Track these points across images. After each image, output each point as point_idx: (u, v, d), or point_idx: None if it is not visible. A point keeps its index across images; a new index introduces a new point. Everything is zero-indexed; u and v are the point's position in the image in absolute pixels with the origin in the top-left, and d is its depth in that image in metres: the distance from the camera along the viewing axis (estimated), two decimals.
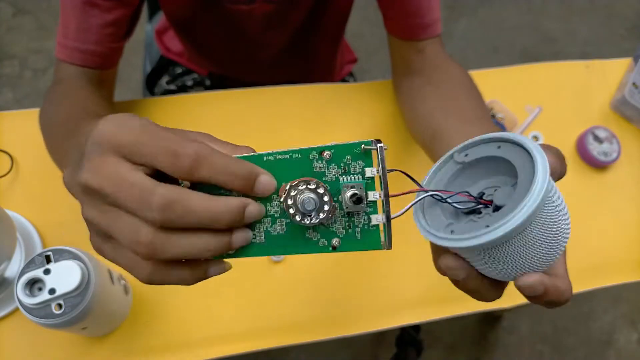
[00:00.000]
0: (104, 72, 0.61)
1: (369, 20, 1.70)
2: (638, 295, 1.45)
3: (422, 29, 0.62)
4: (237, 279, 0.60)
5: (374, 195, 0.27)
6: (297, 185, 0.26)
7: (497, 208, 0.28)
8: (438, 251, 0.30)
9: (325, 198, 0.27)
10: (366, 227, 0.28)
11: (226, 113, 0.69)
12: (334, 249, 0.28)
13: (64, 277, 0.45)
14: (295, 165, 0.27)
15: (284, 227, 0.28)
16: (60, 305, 0.45)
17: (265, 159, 0.27)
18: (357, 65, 0.98)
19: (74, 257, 0.47)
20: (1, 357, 0.54)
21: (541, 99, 0.75)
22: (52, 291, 0.44)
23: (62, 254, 0.46)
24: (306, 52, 0.81)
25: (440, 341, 1.34)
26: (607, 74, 0.80)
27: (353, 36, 1.66)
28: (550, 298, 0.28)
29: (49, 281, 0.45)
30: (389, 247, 0.28)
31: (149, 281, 0.27)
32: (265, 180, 0.26)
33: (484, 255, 0.27)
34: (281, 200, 0.27)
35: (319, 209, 0.26)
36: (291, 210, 0.26)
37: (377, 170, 0.27)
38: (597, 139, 0.72)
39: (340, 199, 0.27)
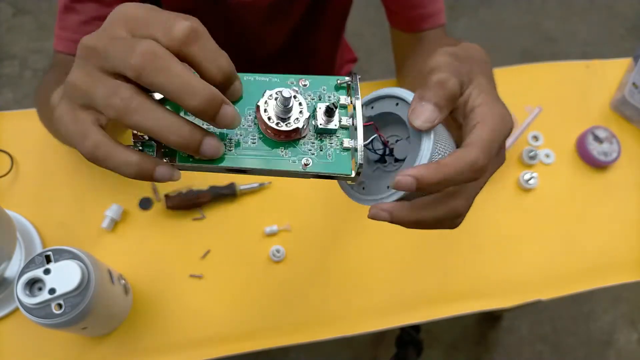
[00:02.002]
0: None
1: (369, 20, 1.70)
2: (638, 295, 1.45)
3: (424, 20, 0.63)
4: (236, 279, 0.60)
5: (346, 120, 0.28)
6: (274, 92, 0.27)
7: (396, 159, 0.31)
8: None
9: (302, 103, 0.27)
10: (338, 150, 0.28)
11: None
12: (305, 166, 0.27)
13: (64, 277, 0.45)
14: (272, 87, 0.27)
15: (256, 141, 0.27)
16: (60, 305, 0.45)
17: (245, 78, 0.28)
18: (357, 65, 0.98)
19: (74, 257, 0.47)
20: (1, 357, 0.54)
21: (541, 99, 0.75)
22: (52, 291, 0.44)
23: (62, 254, 0.46)
24: (306, 49, 0.81)
25: (440, 341, 1.34)
26: (607, 74, 0.80)
27: (353, 36, 1.66)
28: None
29: (49, 281, 0.45)
30: (357, 171, 0.28)
31: (93, 152, 0.25)
32: (230, 111, 0.25)
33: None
34: (257, 103, 0.27)
35: (295, 115, 0.27)
36: (265, 115, 0.26)
37: (350, 99, 0.29)
38: (597, 139, 0.71)
39: (314, 122, 0.28)
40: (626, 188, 0.71)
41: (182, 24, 0.24)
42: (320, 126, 0.28)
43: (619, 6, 1.99)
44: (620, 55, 0.83)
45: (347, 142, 0.28)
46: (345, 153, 0.28)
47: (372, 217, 0.29)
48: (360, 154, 0.27)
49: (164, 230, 0.61)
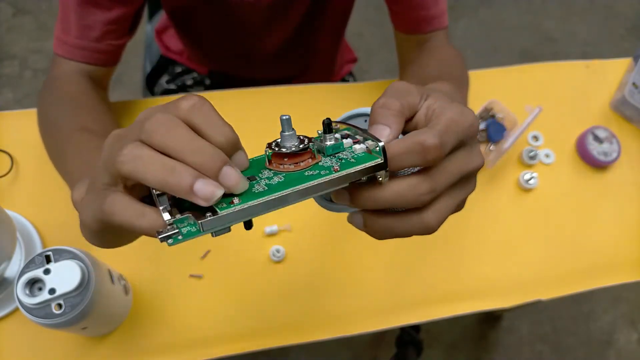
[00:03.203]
0: (104, 69, 0.61)
1: (369, 20, 1.70)
2: (638, 295, 1.45)
3: (427, 22, 0.63)
4: (236, 279, 0.60)
5: (346, 141, 0.30)
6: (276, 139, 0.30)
7: None
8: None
9: (302, 136, 0.30)
10: (354, 155, 0.29)
11: (226, 113, 0.68)
12: (336, 171, 0.28)
13: (64, 277, 0.45)
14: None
15: (282, 177, 0.29)
16: (60, 305, 0.45)
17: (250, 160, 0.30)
18: (357, 65, 0.98)
19: (74, 257, 0.47)
20: (1, 357, 0.54)
21: (541, 99, 0.75)
22: (52, 291, 0.44)
23: (62, 254, 0.46)
24: (307, 48, 0.81)
25: (440, 341, 1.34)
26: (607, 74, 0.80)
27: (353, 36, 1.67)
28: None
29: (49, 281, 0.45)
30: (384, 156, 0.28)
31: (105, 209, 0.28)
32: (232, 172, 0.27)
33: None
34: (266, 148, 0.29)
35: (301, 142, 0.29)
36: (278, 149, 0.29)
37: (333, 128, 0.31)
38: (597, 139, 0.72)
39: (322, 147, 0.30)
40: (626, 188, 0.71)
41: (189, 98, 0.27)
42: (328, 144, 0.29)
43: (619, 6, 1.99)
44: (620, 55, 0.83)
45: (359, 148, 0.29)
46: (362, 154, 0.29)
47: (350, 222, 0.31)
48: (379, 147, 0.28)
49: None
